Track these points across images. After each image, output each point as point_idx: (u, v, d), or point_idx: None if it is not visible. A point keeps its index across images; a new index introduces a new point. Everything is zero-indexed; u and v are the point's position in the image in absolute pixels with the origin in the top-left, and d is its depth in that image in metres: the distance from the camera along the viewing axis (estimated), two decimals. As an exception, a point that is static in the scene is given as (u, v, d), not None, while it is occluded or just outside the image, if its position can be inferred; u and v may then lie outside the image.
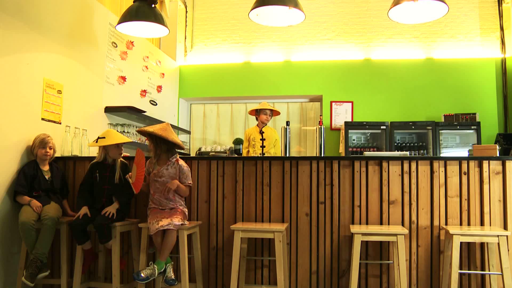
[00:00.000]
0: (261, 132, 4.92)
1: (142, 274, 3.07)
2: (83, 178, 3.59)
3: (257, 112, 5.01)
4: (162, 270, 3.17)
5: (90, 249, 3.46)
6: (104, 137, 3.52)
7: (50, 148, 3.62)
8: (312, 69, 6.61)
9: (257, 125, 5.02)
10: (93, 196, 3.53)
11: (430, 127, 5.87)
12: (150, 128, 3.35)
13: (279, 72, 6.69)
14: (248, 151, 4.95)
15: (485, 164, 3.37)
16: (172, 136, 3.37)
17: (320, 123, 4.18)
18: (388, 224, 3.43)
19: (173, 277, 3.17)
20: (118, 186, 3.51)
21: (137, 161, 3.36)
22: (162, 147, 3.39)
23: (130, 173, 3.42)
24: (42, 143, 3.57)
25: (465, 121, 5.89)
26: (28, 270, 3.19)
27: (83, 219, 3.31)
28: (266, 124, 4.98)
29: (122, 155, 3.64)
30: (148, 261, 3.26)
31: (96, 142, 3.52)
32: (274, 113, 5.06)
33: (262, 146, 4.85)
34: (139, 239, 3.41)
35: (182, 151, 4.78)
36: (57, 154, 3.80)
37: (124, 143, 3.62)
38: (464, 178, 3.40)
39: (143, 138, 5.12)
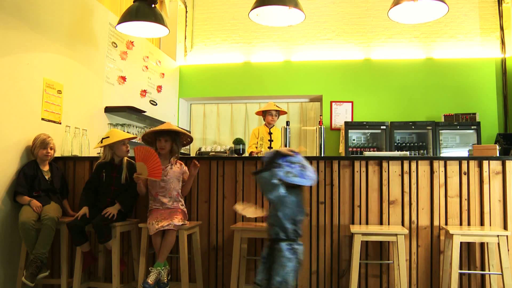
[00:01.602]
0: (270, 133, 4.91)
1: (150, 281, 3.02)
2: (90, 177, 3.57)
3: (263, 113, 5.00)
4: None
5: (89, 251, 3.42)
6: (108, 137, 3.49)
7: (51, 149, 3.61)
8: (312, 69, 6.60)
9: (265, 125, 5.01)
10: (98, 195, 3.50)
11: (430, 127, 5.87)
12: (170, 126, 3.38)
13: (279, 72, 6.69)
14: (257, 147, 4.92)
15: (485, 164, 3.37)
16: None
17: (320, 123, 4.17)
18: (388, 224, 3.43)
19: (165, 281, 3.11)
20: (124, 187, 3.49)
21: (142, 158, 3.22)
22: (179, 144, 3.44)
23: (135, 173, 3.27)
24: (43, 143, 3.56)
25: (465, 121, 5.89)
26: (28, 270, 3.19)
27: (81, 220, 3.29)
28: (273, 125, 4.97)
29: (128, 152, 3.60)
30: (148, 262, 3.26)
31: (101, 142, 3.48)
32: (280, 112, 5.04)
33: (270, 147, 4.85)
34: (139, 239, 3.41)
35: (181, 151, 4.78)
36: (57, 154, 3.80)
37: (129, 139, 3.56)
38: (464, 178, 3.40)
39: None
